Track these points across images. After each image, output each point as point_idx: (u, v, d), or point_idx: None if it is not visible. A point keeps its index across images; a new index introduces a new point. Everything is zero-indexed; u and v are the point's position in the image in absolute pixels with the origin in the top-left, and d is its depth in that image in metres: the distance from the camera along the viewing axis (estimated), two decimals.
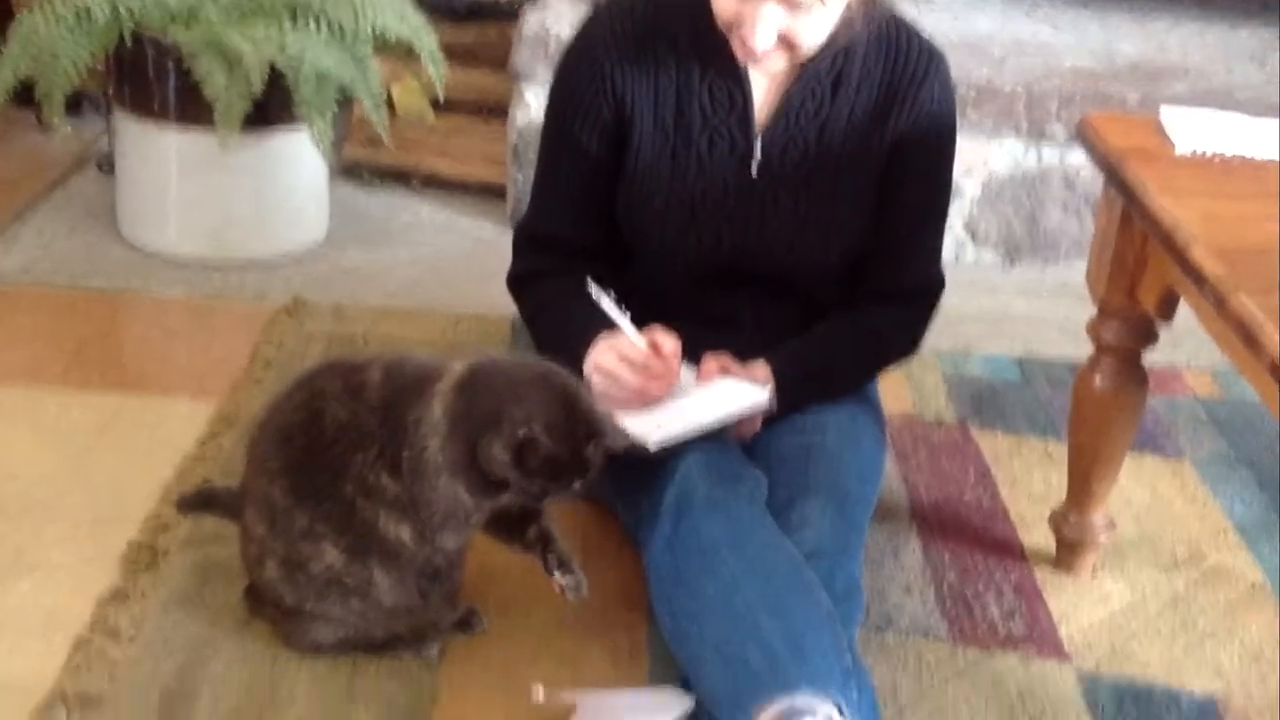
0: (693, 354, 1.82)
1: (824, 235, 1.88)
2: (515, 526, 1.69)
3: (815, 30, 1.72)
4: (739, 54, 1.76)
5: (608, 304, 1.78)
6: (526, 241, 1.99)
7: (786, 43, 1.72)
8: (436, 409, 1.58)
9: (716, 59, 1.80)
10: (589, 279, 1.80)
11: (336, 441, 1.61)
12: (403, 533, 1.62)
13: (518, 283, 2.00)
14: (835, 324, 1.93)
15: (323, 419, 1.62)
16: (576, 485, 1.59)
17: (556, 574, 1.66)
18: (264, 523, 1.66)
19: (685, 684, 1.65)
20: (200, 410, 2.25)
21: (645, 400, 1.76)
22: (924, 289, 1.98)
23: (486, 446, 1.54)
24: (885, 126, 1.85)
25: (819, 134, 1.85)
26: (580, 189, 1.91)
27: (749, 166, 1.85)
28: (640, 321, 1.80)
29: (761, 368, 1.84)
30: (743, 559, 1.62)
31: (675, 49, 1.82)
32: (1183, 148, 1.86)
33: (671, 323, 1.81)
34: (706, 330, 1.89)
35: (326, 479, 1.61)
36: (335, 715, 1.64)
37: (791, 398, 1.84)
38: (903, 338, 1.99)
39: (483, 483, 1.58)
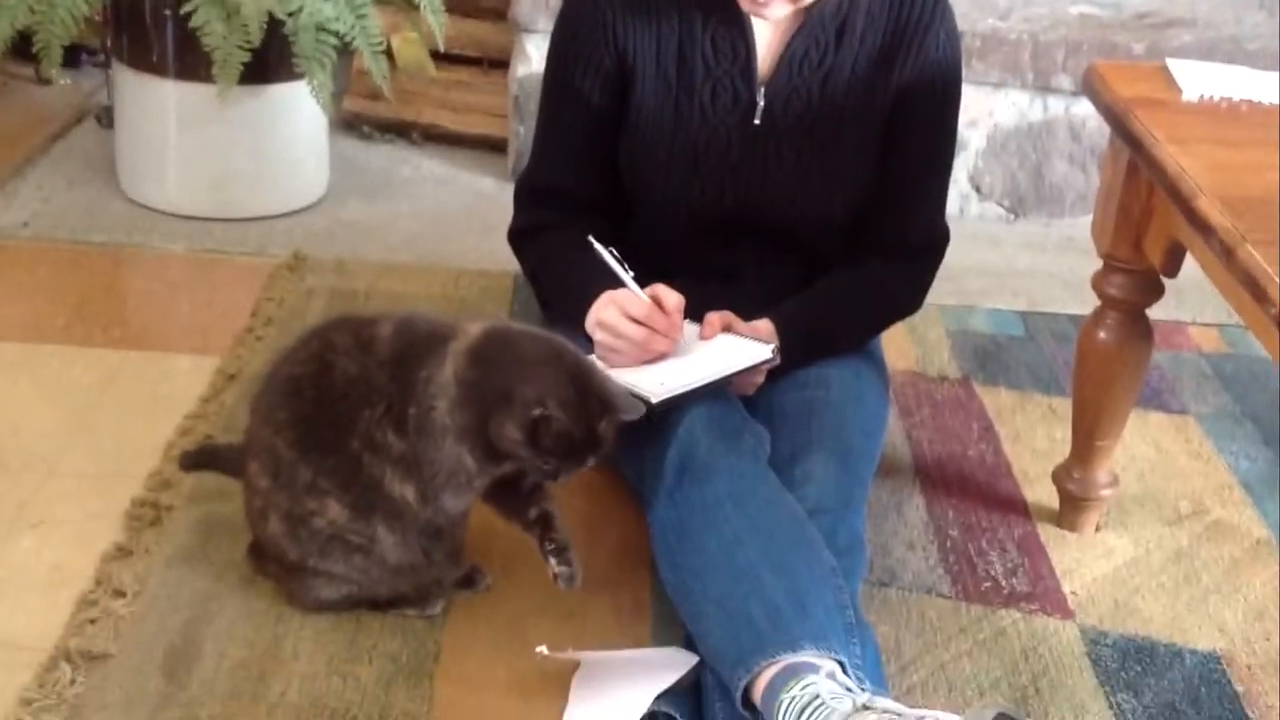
0: (695, 309, 1.80)
1: (827, 186, 1.87)
2: (517, 503, 1.69)
3: None
4: (743, 4, 1.74)
5: (610, 260, 1.76)
6: (528, 195, 1.98)
7: None
8: (448, 369, 1.58)
9: (719, 8, 1.78)
10: (591, 237, 1.78)
11: (345, 396, 1.61)
12: (407, 492, 1.62)
13: (519, 237, 1.98)
14: (839, 279, 1.92)
15: (332, 372, 1.62)
16: (590, 461, 1.59)
17: (552, 561, 1.66)
18: (268, 475, 1.66)
19: (688, 641, 1.65)
20: (202, 366, 2.24)
21: (648, 356, 1.75)
22: (928, 242, 1.96)
23: (499, 425, 1.54)
24: (890, 75, 1.84)
25: (822, 83, 1.83)
26: (582, 140, 1.90)
27: (752, 117, 1.83)
28: (643, 277, 1.78)
29: (765, 324, 1.83)
30: (745, 515, 1.61)
31: None
32: (1190, 93, 1.85)
33: (674, 277, 1.80)
34: (709, 285, 1.88)
35: (333, 433, 1.61)
36: (339, 672, 1.64)
37: (795, 354, 1.83)
38: (907, 293, 1.98)
39: (488, 451, 1.58)
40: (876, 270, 1.92)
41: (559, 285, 1.90)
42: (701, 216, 1.88)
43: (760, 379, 1.83)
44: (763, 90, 1.82)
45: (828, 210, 1.89)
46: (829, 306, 1.91)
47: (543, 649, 1.62)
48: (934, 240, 1.97)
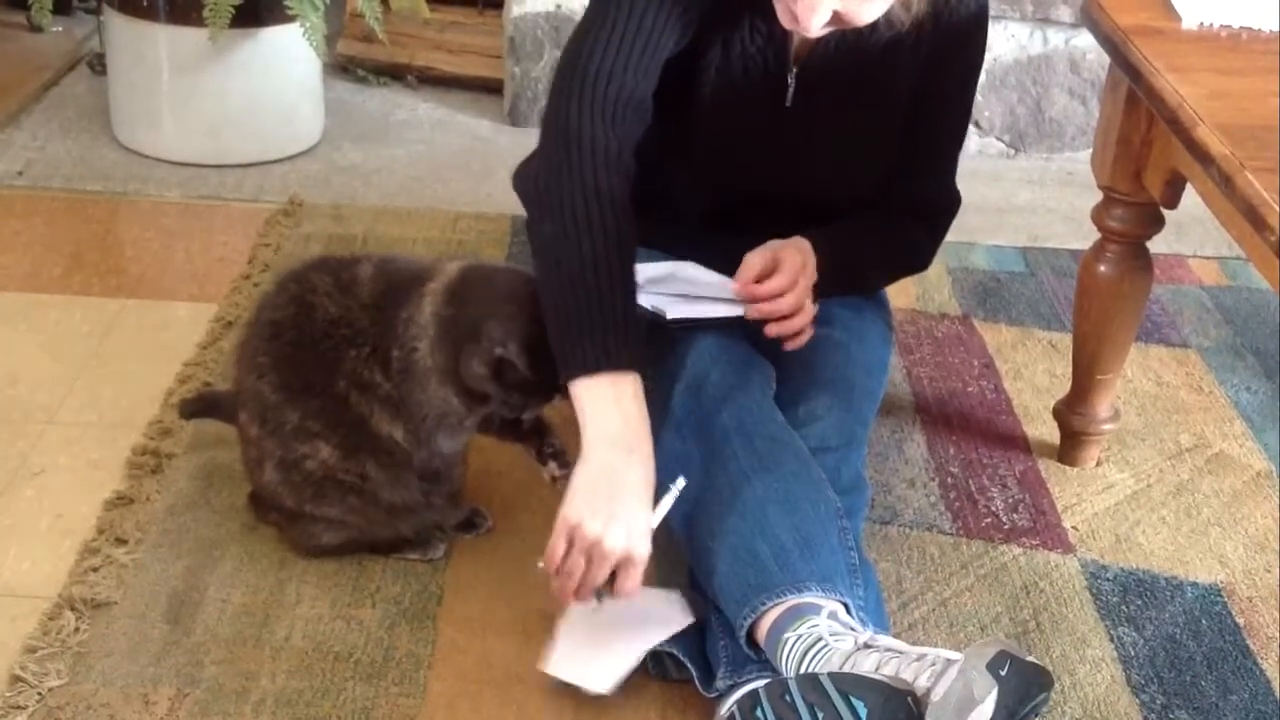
0: (720, 263, 1.78)
1: (858, 164, 1.83)
2: (510, 419, 1.69)
3: (871, 12, 1.63)
4: (784, 21, 1.65)
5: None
6: (575, 77, 1.67)
7: (838, 20, 1.62)
8: (426, 309, 1.58)
9: (761, 7, 1.71)
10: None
11: (328, 337, 1.61)
12: (395, 431, 1.62)
13: (534, 180, 1.67)
14: (868, 225, 1.88)
15: (313, 314, 1.61)
16: (554, 400, 1.59)
17: (552, 465, 1.67)
18: (256, 422, 1.66)
19: (692, 577, 1.65)
20: (200, 312, 2.24)
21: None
22: (941, 207, 1.93)
23: (466, 359, 1.55)
24: (919, 50, 1.80)
25: (854, 65, 1.79)
26: (654, 44, 1.68)
27: (783, 99, 1.80)
28: (668, 249, 1.77)
29: (804, 240, 1.74)
30: (751, 451, 1.61)
31: None
32: (1189, 21, 1.83)
33: (700, 252, 1.78)
34: (735, 259, 1.85)
35: (318, 374, 1.61)
36: (342, 616, 1.65)
37: (824, 286, 1.79)
38: (916, 253, 1.96)
39: (470, 391, 1.58)
40: (893, 225, 1.90)
41: (561, 300, 1.61)
42: (731, 195, 1.85)
43: (805, 338, 1.77)
44: (794, 72, 1.79)
45: (858, 188, 1.86)
46: (860, 246, 1.86)
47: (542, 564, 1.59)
48: (947, 204, 1.94)
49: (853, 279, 1.86)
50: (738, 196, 1.85)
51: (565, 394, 1.54)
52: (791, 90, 1.78)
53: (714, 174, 1.83)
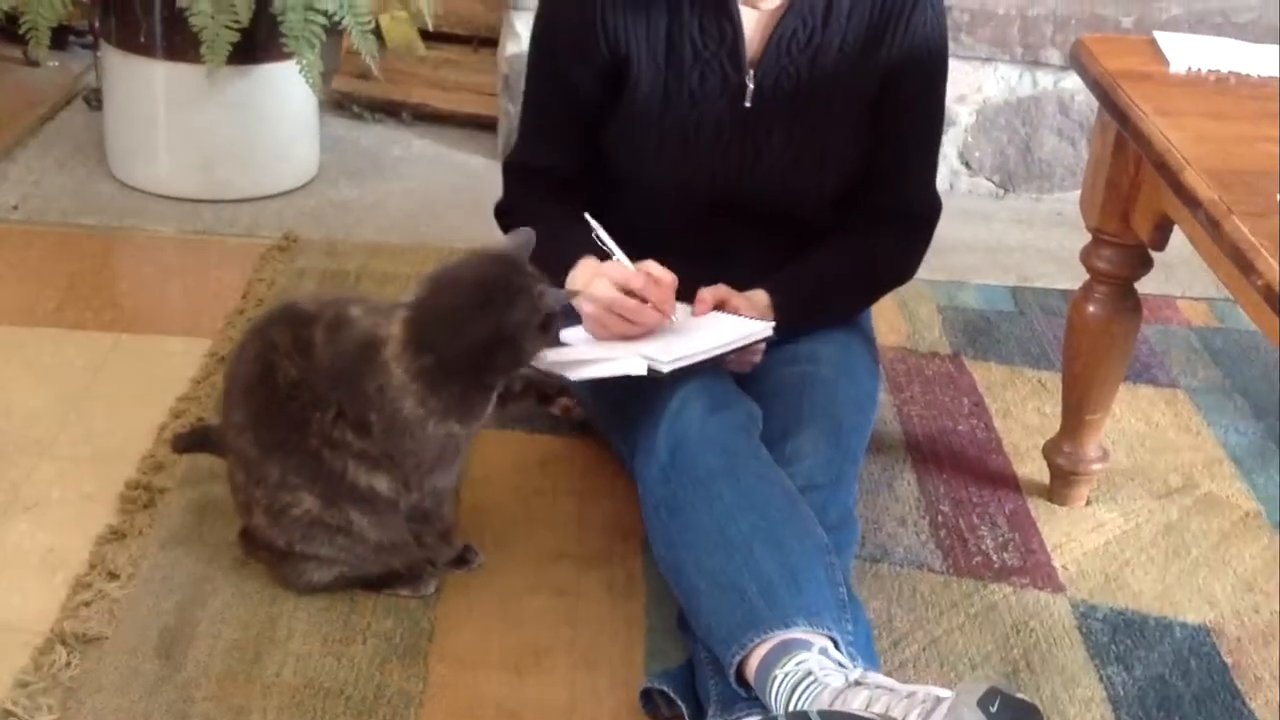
0: (685, 288, 1.80)
1: (819, 165, 1.87)
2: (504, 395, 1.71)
3: None
4: None
5: (605, 236, 1.76)
6: (515, 172, 1.98)
7: None
8: (396, 374, 1.58)
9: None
10: (587, 214, 1.78)
11: (293, 398, 1.61)
12: (376, 482, 1.63)
13: (504, 212, 1.98)
14: (833, 248, 1.92)
15: (275, 374, 1.62)
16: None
17: (560, 400, 1.71)
18: (242, 472, 1.68)
19: (681, 619, 1.66)
20: (194, 347, 2.24)
21: (638, 330, 1.74)
22: (920, 212, 1.97)
23: (521, 322, 1.57)
24: (877, 53, 1.84)
25: (811, 63, 1.83)
26: (570, 121, 1.90)
27: (742, 99, 1.83)
28: (631, 256, 1.78)
29: (760, 294, 1.83)
30: (738, 490, 1.62)
31: None
32: (1178, 65, 1.85)
33: (662, 256, 1.80)
34: (698, 263, 1.88)
35: (290, 432, 1.62)
36: (333, 652, 1.65)
37: (791, 321, 1.83)
38: (900, 262, 1.98)
39: (471, 410, 1.61)
40: (870, 239, 1.92)
41: (542, 261, 1.90)
42: (693, 199, 1.88)
43: (758, 357, 1.83)
44: (751, 72, 1.82)
45: (819, 189, 1.89)
46: (824, 275, 1.91)
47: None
48: (926, 209, 1.97)
49: (825, 314, 1.89)
50: (704, 205, 1.87)
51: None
52: (750, 91, 1.81)
53: (678, 176, 1.85)
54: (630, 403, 1.77)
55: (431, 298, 1.61)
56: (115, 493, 1.88)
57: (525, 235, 1.66)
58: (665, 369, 1.68)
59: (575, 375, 1.72)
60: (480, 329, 1.56)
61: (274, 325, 1.66)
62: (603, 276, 1.74)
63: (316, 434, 1.61)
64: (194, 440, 1.87)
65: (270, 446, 1.63)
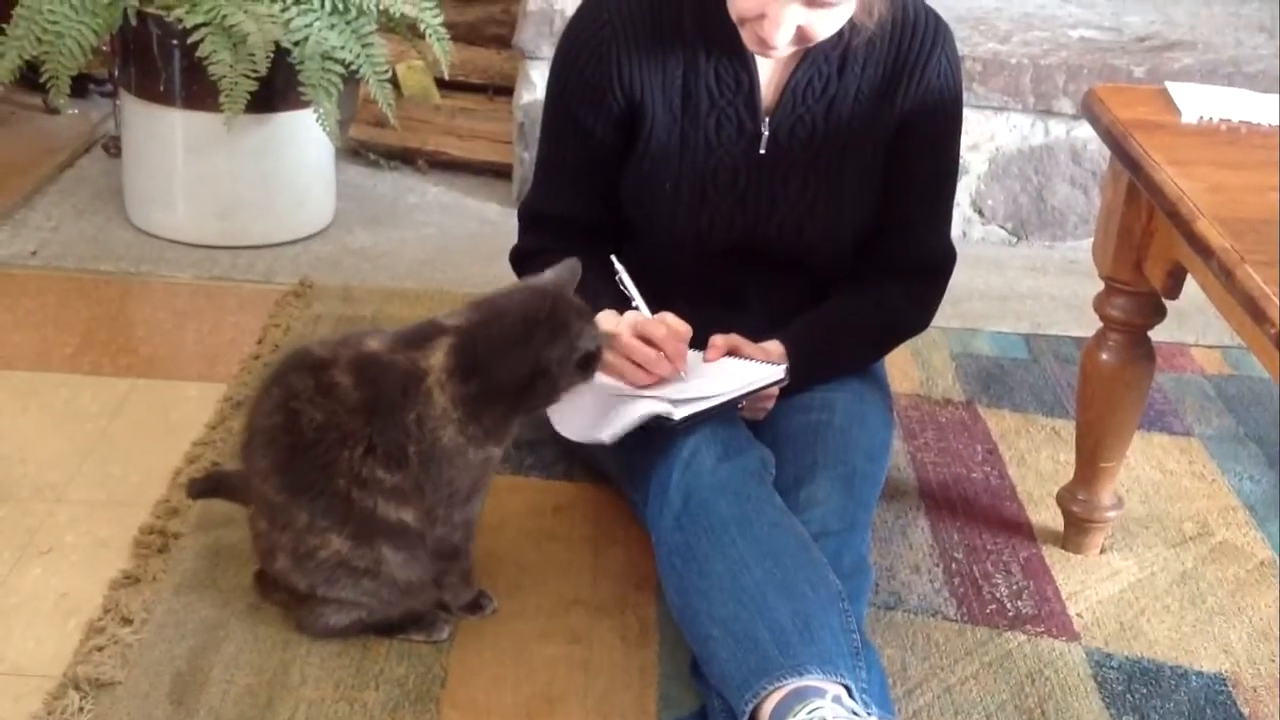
0: (700, 333, 1.81)
1: (834, 213, 1.88)
2: None
3: (833, 24, 1.72)
4: (750, 45, 1.75)
5: (627, 281, 1.78)
6: (530, 219, 2.00)
7: (801, 36, 1.71)
8: (439, 402, 1.59)
9: (721, 40, 1.80)
10: (613, 257, 1.79)
11: (318, 442, 1.62)
12: (405, 515, 1.64)
13: (520, 259, 2.00)
14: (846, 299, 1.93)
15: (300, 420, 1.62)
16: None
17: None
18: (266, 519, 1.68)
19: (695, 666, 1.65)
20: (210, 393, 2.26)
21: (651, 380, 1.76)
22: (934, 263, 1.97)
23: (561, 357, 1.61)
24: (893, 102, 1.85)
25: (826, 112, 1.84)
26: (585, 169, 1.91)
27: (757, 146, 1.84)
28: (646, 300, 1.80)
29: (775, 345, 1.84)
30: (751, 538, 1.62)
31: (681, 31, 1.81)
32: (1189, 115, 1.86)
33: (678, 302, 1.81)
34: (713, 309, 1.89)
35: (317, 475, 1.62)
36: (345, 698, 1.65)
37: (804, 373, 1.84)
38: (914, 312, 1.99)
39: (510, 431, 1.66)
40: (883, 290, 1.93)
41: None
42: (709, 245, 1.89)
43: (771, 403, 1.84)
44: (767, 120, 1.83)
45: (834, 236, 1.90)
46: (838, 326, 1.92)
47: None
48: (940, 259, 1.98)
49: (839, 364, 1.90)
50: (720, 252, 1.88)
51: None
52: (765, 139, 1.83)
53: (694, 223, 1.86)
54: (643, 450, 1.78)
55: (478, 327, 1.63)
56: (130, 537, 1.88)
57: (571, 267, 1.69)
58: (677, 415, 1.69)
59: (598, 436, 1.75)
60: (521, 362, 1.59)
61: (292, 373, 1.67)
62: (625, 324, 1.76)
63: (345, 473, 1.61)
64: (209, 485, 1.88)
65: (297, 490, 1.63)
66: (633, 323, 1.77)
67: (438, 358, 1.62)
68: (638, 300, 1.78)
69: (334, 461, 1.61)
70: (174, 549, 1.87)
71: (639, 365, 1.75)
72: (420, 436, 1.60)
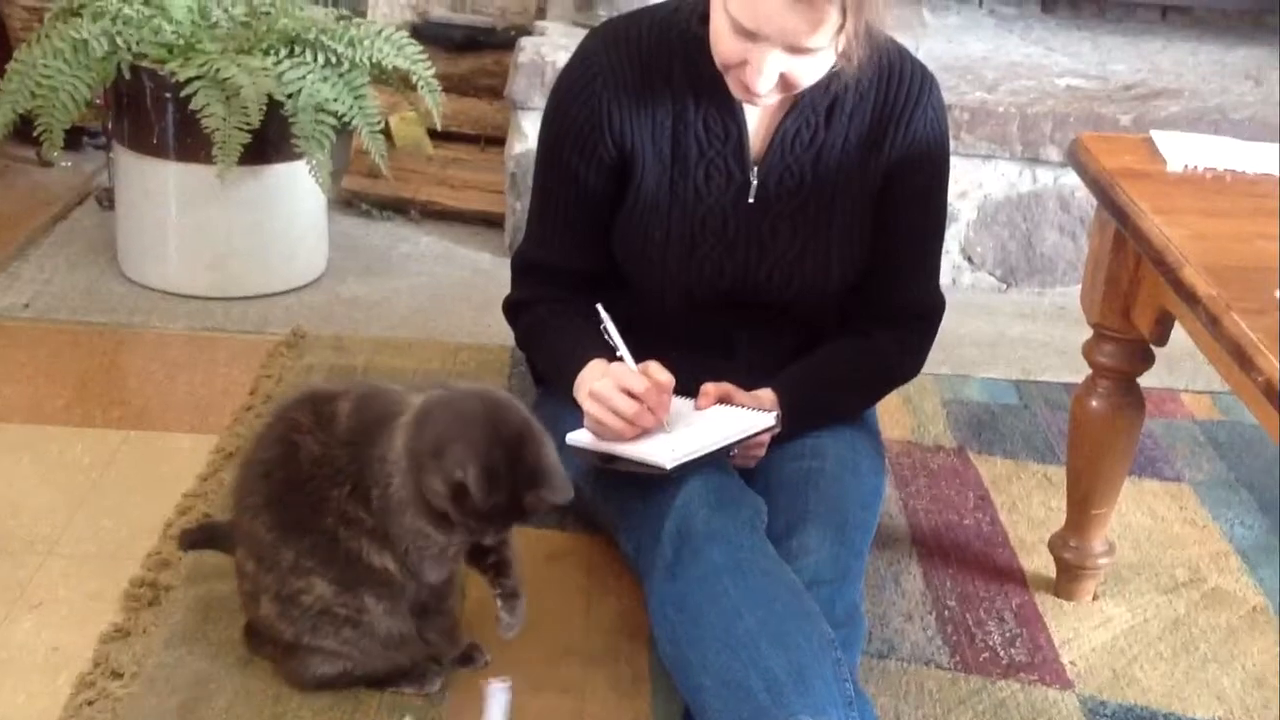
0: (690, 381, 1.82)
1: (823, 262, 1.89)
2: (477, 547, 1.68)
3: (815, 71, 1.73)
4: (735, 92, 1.77)
5: (612, 331, 1.78)
6: (523, 269, 2.01)
7: (785, 83, 1.73)
8: (397, 444, 1.58)
9: (710, 91, 1.81)
10: (599, 306, 1.80)
11: (312, 477, 1.61)
12: (386, 561, 1.62)
13: (513, 308, 2.01)
14: (837, 347, 1.94)
15: (297, 453, 1.62)
16: (515, 524, 1.61)
17: (499, 606, 1.68)
18: (253, 559, 1.67)
19: (687, 716, 1.65)
20: (202, 444, 2.25)
21: (634, 432, 1.76)
22: (924, 310, 1.98)
23: (429, 478, 1.54)
24: (880, 151, 1.87)
25: (814, 161, 1.86)
26: (577, 219, 1.92)
27: (746, 196, 1.86)
28: (637, 349, 1.80)
29: (767, 393, 1.85)
30: (744, 587, 1.62)
31: (670, 82, 1.83)
32: (1175, 164, 1.88)
33: (668, 350, 1.82)
34: (704, 357, 1.90)
35: (307, 512, 1.62)
36: None
37: (795, 421, 1.84)
38: (905, 360, 2.00)
39: (442, 516, 1.57)
40: (874, 337, 1.94)
41: (549, 354, 1.93)
42: (698, 294, 1.90)
43: (762, 451, 1.85)
44: (756, 169, 1.85)
45: (824, 285, 1.91)
46: (829, 374, 1.92)
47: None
48: (930, 307, 1.99)
49: (830, 413, 1.91)
50: (710, 300, 1.89)
51: (525, 520, 1.61)
52: (754, 188, 1.84)
53: (684, 271, 1.87)
54: (634, 499, 1.78)
55: (442, 403, 1.60)
56: (120, 590, 1.88)
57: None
58: (669, 465, 1.69)
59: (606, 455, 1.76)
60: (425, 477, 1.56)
61: (295, 407, 1.67)
62: (607, 377, 1.76)
63: (333, 511, 1.60)
64: (200, 537, 1.88)
65: (286, 527, 1.62)
66: (616, 376, 1.77)
67: (417, 399, 1.61)
68: (622, 350, 1.78)
69: (325, 499, 1.60)
70: (165, 601, 1.87)
71: (622, 418, 1.75)
72: (379, 479, 1.58)
